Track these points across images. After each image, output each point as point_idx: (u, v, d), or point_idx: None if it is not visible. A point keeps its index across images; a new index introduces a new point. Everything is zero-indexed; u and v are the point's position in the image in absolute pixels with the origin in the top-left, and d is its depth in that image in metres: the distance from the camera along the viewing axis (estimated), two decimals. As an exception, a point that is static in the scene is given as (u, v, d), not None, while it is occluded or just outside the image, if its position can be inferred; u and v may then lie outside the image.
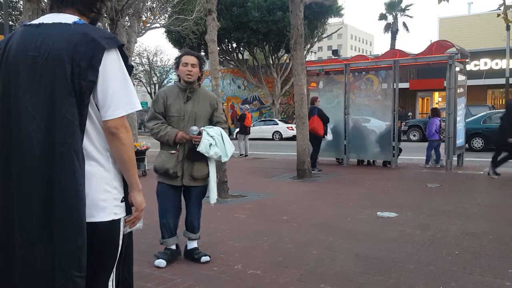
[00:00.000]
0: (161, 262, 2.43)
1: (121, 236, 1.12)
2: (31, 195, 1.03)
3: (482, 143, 9.89)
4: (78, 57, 1.02)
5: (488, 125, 9.92)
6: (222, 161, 2.49)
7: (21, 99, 1.05)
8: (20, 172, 1.04)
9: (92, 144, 1.07)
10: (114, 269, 1.14)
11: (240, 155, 9.54)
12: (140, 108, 1.10)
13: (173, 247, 2.53)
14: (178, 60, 2.48)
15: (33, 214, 1.03)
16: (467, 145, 9.90)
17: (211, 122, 2.51)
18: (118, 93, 1.05)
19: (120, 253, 1.14)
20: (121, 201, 1.12)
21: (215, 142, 2.38)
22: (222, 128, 2.48)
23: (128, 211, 1.14)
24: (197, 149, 2.35)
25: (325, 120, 6.68)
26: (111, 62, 1.05)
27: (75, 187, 1.01)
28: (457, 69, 6.78)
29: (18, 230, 1.04)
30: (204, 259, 2.49)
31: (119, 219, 1.11)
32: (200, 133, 2.35)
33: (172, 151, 2.41)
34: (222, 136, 2.42)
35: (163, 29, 15.10)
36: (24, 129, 1.03)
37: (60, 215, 1.01)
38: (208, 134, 2.37)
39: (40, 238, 1.02)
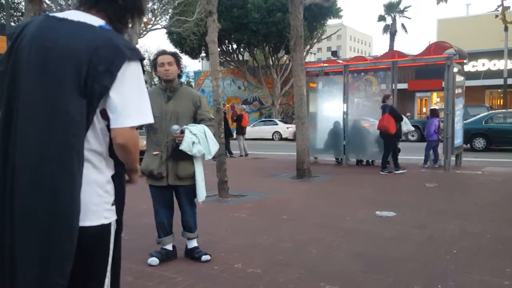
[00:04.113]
0: (153, 260, 2.44)
1: (111, 241, 1.10)
2: (23, 194, 0.99)
3: (484, 143, 9.79)
4: (97, 60, 0.99)
5: (490, 125, 9.83)
6: (206, 159, 2.48)
7: (26, 91, 1.01)
8: (14, 168, 1.01)
9: (88, 146, 1.04)
10: (108, 273, 1.10)
11: (241, 155, 9.56)
12: (152, 121, 1.08)
13: (169, 247, 2.54)
14: (154, 62, 2.49)
15: (24, 213, 0.99)
16: (468, 145, 9.81)
17: (195, 120, 2.50)
18: (132, 103, 1.03)
19: (113, 258, 1.11)
20: (112, 205, 1.09)
21: (198, 140, 2.38)
22: (207, 125, 2.47)
23: (118, 214, 1.12)
24: (180, 148, 2.34)
25: (397, 118, 6.36)
26: (131, 72, 1.03)
27: (72, 189, 0.99)
28: (455, 70, 6.81)
29: (8, 230, 1.01)
30: (204, 258, 2.51)
31: (109, 223, 1.08)
32: (182, 132, 2.35)
33: (155, 152, 2.42)
34: (205, 134, 2.42)
35: (164, 30, 15.14)
36: (24, 121, 1.00)
37: (51, 217, 0.98)
38: (190, 132, 2.37)
39: (28, 239, 0.99)
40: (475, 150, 9.69)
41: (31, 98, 1.01)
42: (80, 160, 1.01)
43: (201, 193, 2.48)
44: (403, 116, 6.50)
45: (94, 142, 1.06)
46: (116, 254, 1.14)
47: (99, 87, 1.01)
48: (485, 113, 10.71)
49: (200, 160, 2.47)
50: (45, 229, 0.98)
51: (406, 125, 6.61)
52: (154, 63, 2.49)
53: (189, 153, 2.37)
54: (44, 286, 0.98)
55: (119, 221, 1.13)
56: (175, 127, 2.34)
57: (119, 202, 1.12)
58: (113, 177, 1.10)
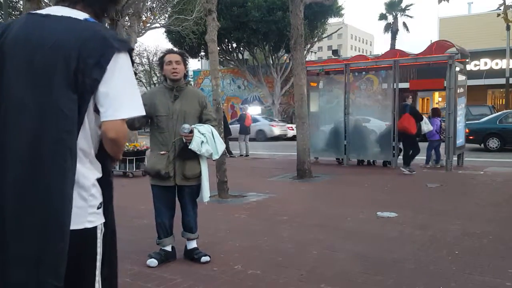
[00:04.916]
0: (152, 261, 2.42)
1: (99, 244, 1.07)
2: (15, 193, 0.97)
3: (498, 143, 9.60)
4: (86, 53, 0.98)
5: (505, 125, 9.63)
6: (213, 159, 2.49)
7: (13, 89, 0.99)
8: (4, 168, 0.98)
9: (78, 148, 1.01)
10: (98, 278, 1.07)
11: (241, 155, 9.54)
12: (143, 113, 1.06)
13: (169, 248, 2.52)
14: (161, 60, 2.48)
15: (16, 212, 0.96)
16: (482, 145, 9.67)
17: (201, 120, 2.50)
18: (123, 95, 1.01)
19: (103, 260, 1.08)
20: (98, 208, 1.06)
21: (206, 139, 2.38)
22: (212, 126, 2.48)
23: (106, 217, 1.09)
24: (189, 147, 2.34)
25: (418, 117, 6.25)
26: (120, 64, 1.01)
27: (64, 188, 0.97)
28: (457, 69, 6.77)
29: None
30: (204, 259, 2.49)
31: (95, 227, 1.05)
32: (191, 131, 2.34)
33: (162, 152, 2.41)
34: (212, 134, 2.43)
35: (163, 29, 15.12)
36: (13, 119, 0.98)
37: (44, 217, 0.95)
38: (199, 131, 2.37)
39: (19, 239, 0.97)
40: (489, 150, 9.52)
41: (20, 96, 0.99)
42: (73, 158, 0.99)
43: (206, 193, 2.49)
44: (423, 116, 6.41)
45: (82, 141, 1.03)
46: (110, 257, 1.11)
47: (90, 80, 0.99)
48: (499, 113, 10.56)
49: (206, 160, 2.47)
50: (37, 228, 0.96)
51: (426, 125, 6.49)
52: (161, 61, 2.48)
53: (198, 152, 2.36)
54: (42, 285, 0.96)
55: (108, 224, 1.11)
56: (186, 126, 2.33)
57: (107, 205, 1.10)
58: (100, 180, 1.08)
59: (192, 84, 23.31)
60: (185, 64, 2.47)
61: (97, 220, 1.07)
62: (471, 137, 9.77)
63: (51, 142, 0.97)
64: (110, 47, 1.00)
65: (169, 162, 2.39)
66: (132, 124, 2.40)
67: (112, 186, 1.12)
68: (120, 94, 1.01)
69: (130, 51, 1.06)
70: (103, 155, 1.08)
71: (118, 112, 1.01)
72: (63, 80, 0.98)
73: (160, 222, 2.48)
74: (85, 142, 1.04)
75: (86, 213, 1.04)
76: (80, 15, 1.05)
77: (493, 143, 9.69)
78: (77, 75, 0.98)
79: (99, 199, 1.08)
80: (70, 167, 0.99)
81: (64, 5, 1.07)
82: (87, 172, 1.05)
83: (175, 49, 2.63)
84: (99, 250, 1.08)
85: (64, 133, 0.98)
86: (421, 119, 6.40)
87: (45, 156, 0.97)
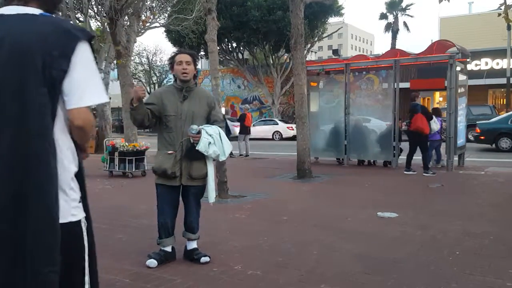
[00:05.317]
0: (152, 262, 2.41)
1: (85, 237, 1.09)
2: (2, 192, 0.98)
3: (510, 143, 9.50)
4: (50, 47, 1.00)
5: None
6: (220, 160, 2.49)
7: None
8: None
9: (57, 141, 1.04)
10: (87, 270, 1.10)
11: (240, 155, 9.53)
12: (106, 100, 1.11)
13: (169, 249, 2.51)
14: (172, 60, 2.49)
15: (6, 210, 0.98)
16: (494, 145, 9.62)
17: (209, 121, 2.51)
18: (87, 83, 1.04)
19: (89, 254, 1.11)
20: (78, 202, 1.09)
21: (214, 140, 2.38)
22: (220, 127, 2.48)
23: (86, 211, 1.11)
24: (197, 148, 2.34)
25: (429, 117, 6.20)
26: (82, 53, 1.04)
27: (50, 182, 0.99)
28: (458, 68, 6.76)
29: None
30: (204, 259, 2.48)
31: (79, 221, 1.08)
32: (199, 132, 2.35)
33: (169, 152, 2.41)
34: (220, 135, 2.43)
35: (163, 29, 15.13)
36: None
37: (35, 213, 0.98)
38: (207, 133, 2.37)
39: (13, 234, 0.98)
40: (500, 151, 9.45)
41: None
42: (53, 152, 1.01)
43: (212, 194, 2.50)
44: (432, 115, 6.37)
45: (60, 134, 1.05)
46: (92, 249, 1.14)
47: (57, 72, 1.01)
48: (511, 112, 10.53)
49: (212, 161, 2.47)
50: (30, 227, 0.98)
51: (435, 124, 6.43)
52: (171, 61, 2.48)
53: (205, 153, 2.36)
54: (36, 276, 0.98)
55: (89, 218, 1.13)
56: (194, 127, 2.33)
57: (84, 199, 1.12)
58: (77, 174, 1.10)
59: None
60: (195, 65, 2.48)
61: (79, 213, 1.09)
62: (482, 137, 9.69)
63: (30, 138, 0.99)
64: (73, 37, 1.03)
65: (176, 161, 2.39)
66: (142, 122, 2.40)
67: (85, 181, 1.14)
68: (84, 82, 1.04)
69: (90, 39, 1.08)
70: (76, 148, 1.11)
71: (82, 100, 1.03)
72: (33, 77, 1.00)
73: (163, 222, 2.47)
74: (63, 135, 1.06)
75: (69, 207, 1.06)
76: (35, 11, 1.07)
77: (505, 143, 9.60)
78: (44, 69, 1.00)
79: (78, 193, 1.10)
80: (52, 161, 1.01)
81: (17, 4, 1.07)
82: (68, 164, 1.07)
83: (184, 49, 2.62)
84: (86, 243, 1.10)
85: (41, 128, 1.00)
86: (431, 118, 6.34)
87: (27, 153, 0.99)
